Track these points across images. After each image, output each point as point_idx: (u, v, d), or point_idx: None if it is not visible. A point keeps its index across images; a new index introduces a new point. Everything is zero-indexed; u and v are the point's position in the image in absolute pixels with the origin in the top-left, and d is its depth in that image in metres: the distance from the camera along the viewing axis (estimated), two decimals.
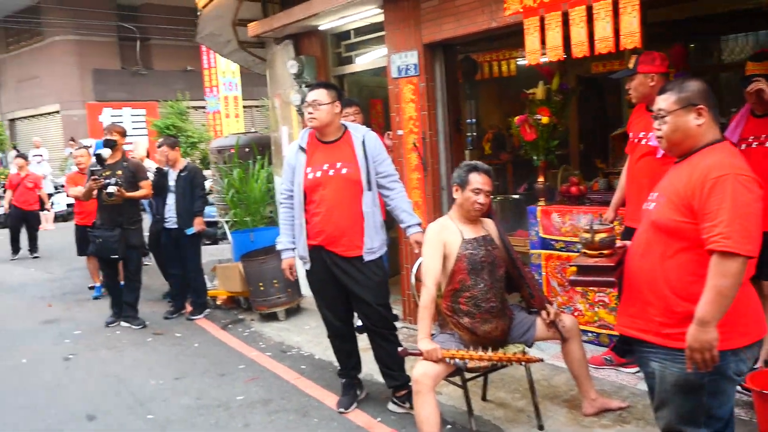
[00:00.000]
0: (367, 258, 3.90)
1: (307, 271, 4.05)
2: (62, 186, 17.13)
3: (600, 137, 7.56)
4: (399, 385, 4.04)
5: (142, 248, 6.91)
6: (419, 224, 4.01)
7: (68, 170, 16.59)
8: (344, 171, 3.84)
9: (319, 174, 3.85)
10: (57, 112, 22.24)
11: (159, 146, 6.72)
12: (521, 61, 8.33)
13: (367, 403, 4.21)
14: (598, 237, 2.61)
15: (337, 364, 4.30)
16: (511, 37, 5.11)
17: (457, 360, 3.32)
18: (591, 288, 4.49)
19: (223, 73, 19.65)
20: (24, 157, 11.81)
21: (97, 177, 6.03)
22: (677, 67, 4.44)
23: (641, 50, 3.81)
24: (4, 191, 11.98)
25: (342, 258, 3.89)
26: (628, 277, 2.51)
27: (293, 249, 4.05)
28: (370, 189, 3.88)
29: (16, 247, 10.92)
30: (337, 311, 4.08)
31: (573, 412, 3.78)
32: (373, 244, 3.90)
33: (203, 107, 20.85)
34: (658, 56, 3.79)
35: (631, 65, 3.86)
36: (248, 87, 21.06)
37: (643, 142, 3.87)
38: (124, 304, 6.44)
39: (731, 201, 2.14)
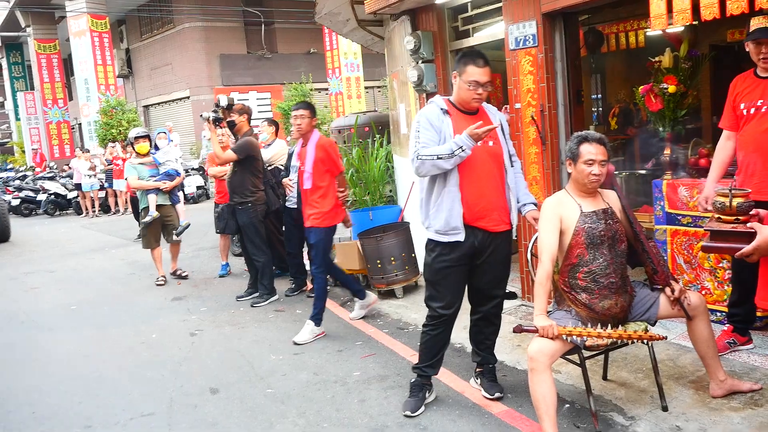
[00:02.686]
0: (515, 234, 3.84)
1: (443, 248, 3.69)
2: (192, 169, 18.14)
3: None
4: (481, 362, 4.06)
5: (256, 226, 6.68)
6: (534, 203, 3.91)
7: (207, 151, 17.54)
8: (491, 144, 3.68)
9: None
10: (187, 97, 23.48)
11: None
12: (650, 32, 7.91)
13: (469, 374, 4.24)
14: (736, 201, 2.52)
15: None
16: (638, 4, 4.86)
17: (574, 337, 3.24)
18: (723, 258, 4.27)
19: (345, 54, 20.02)
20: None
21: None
22: None
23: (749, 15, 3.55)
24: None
25: (488, 233, 3.70)
26: None
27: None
28: (512, 165, 3.81)
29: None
30: (458, 296, 3.84)
31: (700, 393, 3.60)
32: (516, 221, 3.82)
33: (326, 89, 21.39)
34: None
35: None
36: (369, 68, 21.35)
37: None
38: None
39: None
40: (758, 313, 4.10)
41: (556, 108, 5.09)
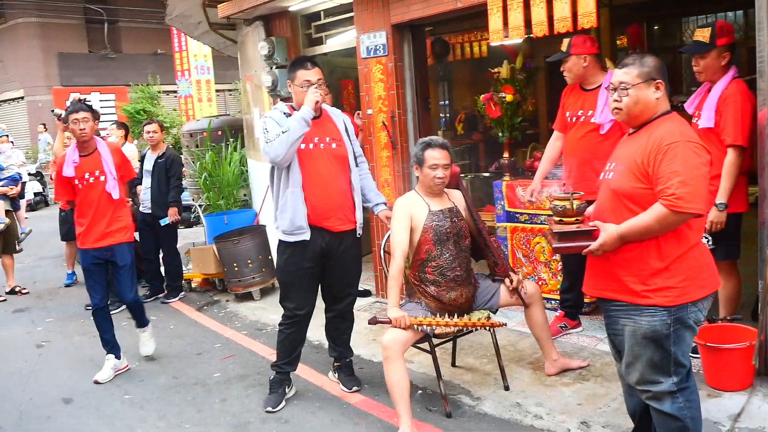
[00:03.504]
0: (359, 232, 3.99)
1: (292, 248, 3.82)
2: (29, 174, 17.00)
3: None
4: (338, 357, 4.23)
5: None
6: (385, 203, 4.14)
7: (46, 156, 16.48)
8: (334, 146, 3.84)
9: (311, 146, 3.76)
10: (21, 98, 21.95)
11: (147, 124, 6.84)
12: (493, 43, 8.46)
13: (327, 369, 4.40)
14: (576, 204, 2.71)
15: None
16: (481, 17, 5.24)
17: (424, 326, 3.50)
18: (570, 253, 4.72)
19: (195, 56, 19.55)
20: None
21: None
22: (633, 45, 4.65)
23: (573, 33, 4.04)
24: None
25: (334, 234, 3.84)
26: None
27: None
28: (357, 165, 3.98)
29: None
30: (312, 295, 3.99)
31: (537, 372, 3.99)
32: (361, 220, 3.99)
33: (175, 91, 20.75)
34: (588, 38, 4.05)
35: (564, 48, 4.10)
36: (220, 71, 20.99)
37: (585, 119, 4.12)
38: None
39: (682, 165, 2.33)
40: (585, 300, 4.59)
41: (405, 114, 5.39)
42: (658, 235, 2.42)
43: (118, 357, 4.78)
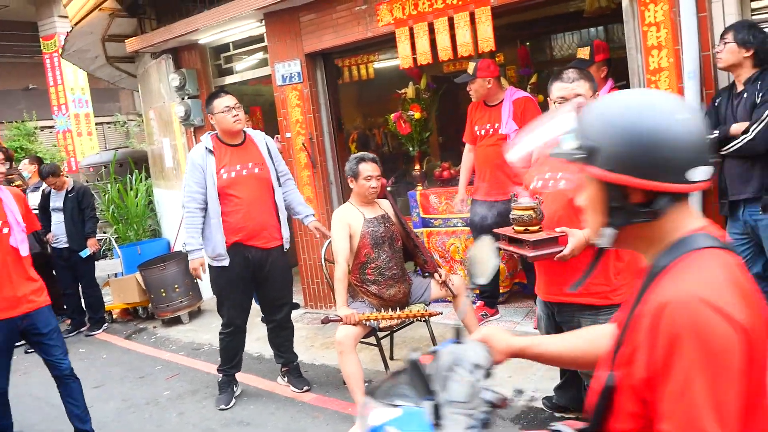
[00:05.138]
0: (286, 247, 4.36)
1: (220, 268, 4.20)
2: None
3: (455, 128, 8.42)
4: (285, 362, 4.56)
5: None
6: (313, 214, 4.55)
7: None
8: (257, 171, 4.22)
9: (233, 174, 4.14)
10: None
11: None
12: (378, 65, 8.98)
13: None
14: (537, 213, 2.75)
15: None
16: (372, 44, 5.76)
17: (372, 321, 3.92)
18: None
19: (72, 89, 19.03)
20: None
21: None
22: (522, 63, 5.30)
23: (477, 57, 4.62)
24: None
25: (263, 250, 4.23)
26: None
27: (201, 249, 4.24)
28: (280, 185, 4.36)
29: None
30: (244, 308, 4.39)
31: None
32: (287, 235, 4.37)
33: (51, 127, 20.06)
34: (491, 63, 4.68)
35: (470, 71, 4.65)
36: (98, 103, 20.52)
37: (494, 131, 4.68)
38: None
39: None
40: (500, 290, 5.17)
41: (322, 135, 5.81)
42: None
43: None
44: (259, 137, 4.39)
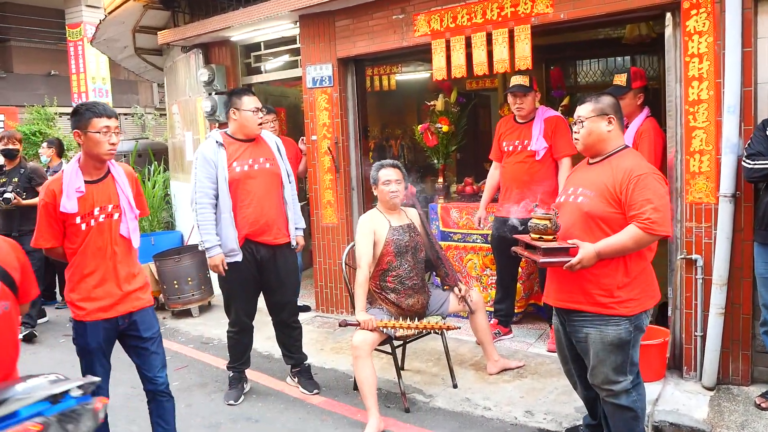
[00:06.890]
0: (294, 244, 4.36)
1: (231, 265, 4.16)
2: None
3: (476, 145, 8.45)
4: (295, 363, 4.55)
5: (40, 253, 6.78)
6: (303, 228, 4.50)
7: None
8: (268, 165, 4.23)
9: (246, 168, 4.14)
10: None
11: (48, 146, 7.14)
12: (399, 77, 9.00)
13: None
14: (553, 224, 2.93)
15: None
16: (404, 53, 5.77)
17: (389, 329, 3.91)
18: (486, 267, 5.25)
19: (93, 78, 19.24)
20: None
21: None
22: (555, 86, 5.30)
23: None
24: None
25: (270, 246, 4.23)
26: None
27: (220, 245, 4.17)
28: (290, 182, 4.36)
29: None
30: (252, 306, 4.40)
31: (479, 372, 4.48)
32: (294, 233, 4.36)
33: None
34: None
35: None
36: (117, 94, 20.65)
37: (522, 148, 4.66)
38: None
39: (653, 193, 2.75)
40: (516, 310, 5.15)
41: (348, 140, 5.81)
42: (631, 252, 2.79)
43: None
44: (269, 137, 4.42)
